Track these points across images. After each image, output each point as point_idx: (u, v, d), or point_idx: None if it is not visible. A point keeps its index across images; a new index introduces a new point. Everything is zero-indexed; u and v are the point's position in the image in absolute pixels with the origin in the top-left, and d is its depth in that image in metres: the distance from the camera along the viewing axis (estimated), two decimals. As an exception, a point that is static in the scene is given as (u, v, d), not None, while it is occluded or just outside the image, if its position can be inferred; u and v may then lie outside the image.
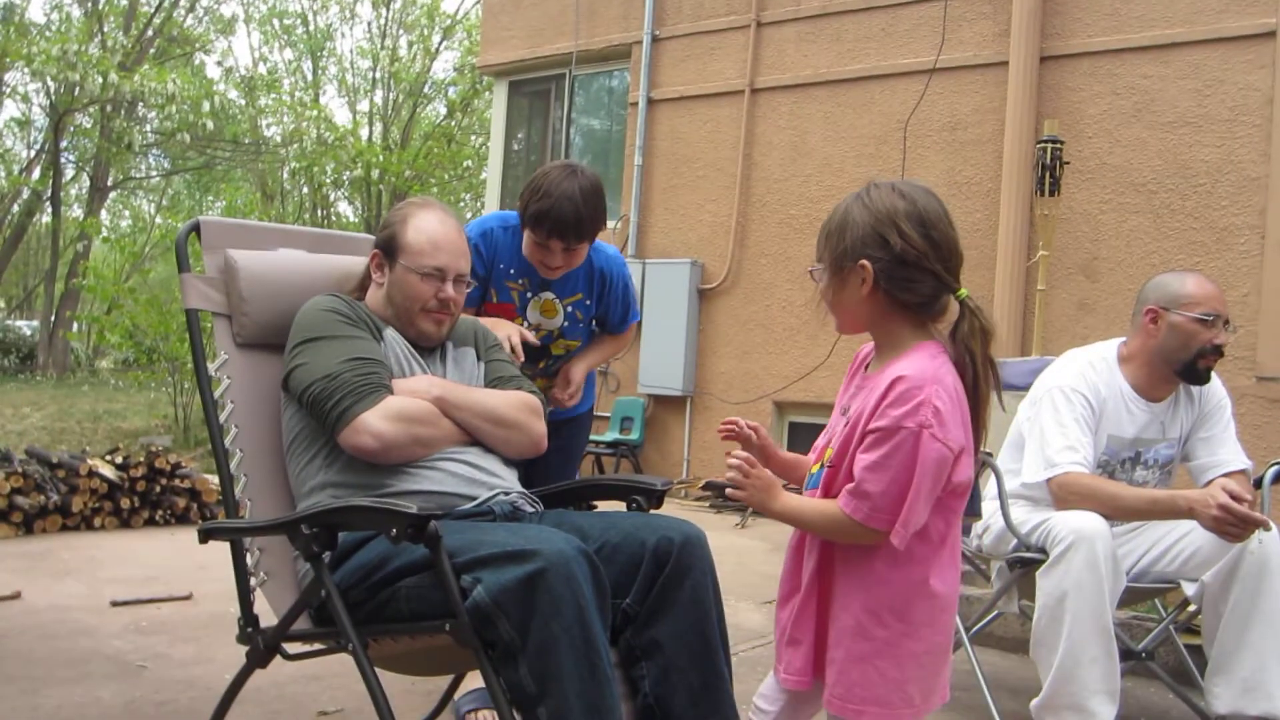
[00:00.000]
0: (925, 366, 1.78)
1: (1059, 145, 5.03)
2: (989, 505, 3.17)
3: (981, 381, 1.83)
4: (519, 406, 2.53)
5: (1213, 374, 3.17)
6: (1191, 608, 3.23)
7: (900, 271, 1.80)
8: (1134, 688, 3.72)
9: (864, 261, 1.81)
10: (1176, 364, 3.11)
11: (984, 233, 7.31)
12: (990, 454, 3.12)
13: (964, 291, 1.82)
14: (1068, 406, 3.10)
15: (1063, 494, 2.99)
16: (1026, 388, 3.41)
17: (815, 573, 1.91)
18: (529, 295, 3.13)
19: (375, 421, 2.29)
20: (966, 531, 3.42)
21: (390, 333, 2.51)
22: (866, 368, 1.95)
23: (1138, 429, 3.17)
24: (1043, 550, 2.91)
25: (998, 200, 7.20)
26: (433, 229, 2.50)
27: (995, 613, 3.44)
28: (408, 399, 2.36)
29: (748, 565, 5.71)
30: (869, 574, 1.83)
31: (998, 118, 7.29)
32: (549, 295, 3.14)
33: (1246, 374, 6.15)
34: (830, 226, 1.88)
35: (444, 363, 2.58)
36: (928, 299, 1.83)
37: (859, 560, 1.84)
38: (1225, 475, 3.14)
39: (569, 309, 3.17)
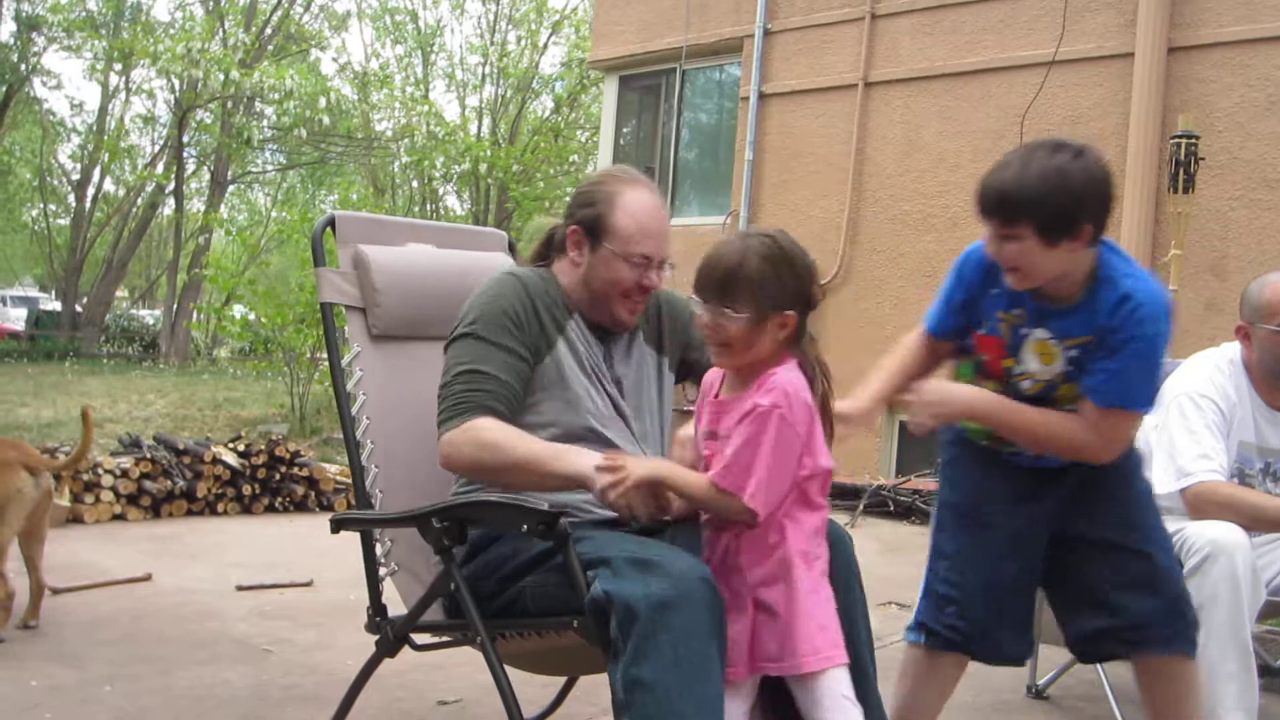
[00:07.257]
0: (781, 373, 2.03)
1: (1194, 140, 4.85)
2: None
3: (824, 389, 2.09)
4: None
5: None
6: (1335, 624, 3.10)
7: (807, 320, 2.08)
8: (1270, 705, 3.58)
9: (791, 312, 2.03)
10: (1276, 376, 2.99)
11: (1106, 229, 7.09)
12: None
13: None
14: (1197, 413, 2.97)
15: (1199, 504, 2.86)
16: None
17: None
18: (1023, 331, 2.39)
19: (452, 436, 2.23)
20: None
21: (573, 327, 2.40)
22: (717, 395, 2.13)
23: (1265, 438, 3.04)
24: (1178, 560, 2.80)
25: (1121, 196, 6.98)
26: (642, 212, 2.37)
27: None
28: (499, 426, 2.21)
29: (862, 566, 5.62)
30: None
31: (1122, 111, 7.08)
32: (1043, 334, 2.36)
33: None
34: (748, 274, 2.01)
35: (628, 358, 2.49)
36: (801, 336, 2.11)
37: None
38: (1375, 487, 3.00)
39: (1071, 352, 2.35)
